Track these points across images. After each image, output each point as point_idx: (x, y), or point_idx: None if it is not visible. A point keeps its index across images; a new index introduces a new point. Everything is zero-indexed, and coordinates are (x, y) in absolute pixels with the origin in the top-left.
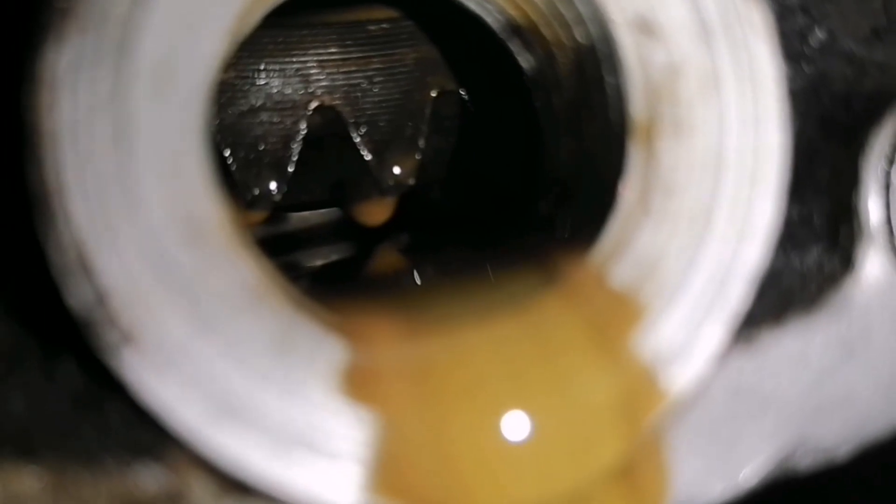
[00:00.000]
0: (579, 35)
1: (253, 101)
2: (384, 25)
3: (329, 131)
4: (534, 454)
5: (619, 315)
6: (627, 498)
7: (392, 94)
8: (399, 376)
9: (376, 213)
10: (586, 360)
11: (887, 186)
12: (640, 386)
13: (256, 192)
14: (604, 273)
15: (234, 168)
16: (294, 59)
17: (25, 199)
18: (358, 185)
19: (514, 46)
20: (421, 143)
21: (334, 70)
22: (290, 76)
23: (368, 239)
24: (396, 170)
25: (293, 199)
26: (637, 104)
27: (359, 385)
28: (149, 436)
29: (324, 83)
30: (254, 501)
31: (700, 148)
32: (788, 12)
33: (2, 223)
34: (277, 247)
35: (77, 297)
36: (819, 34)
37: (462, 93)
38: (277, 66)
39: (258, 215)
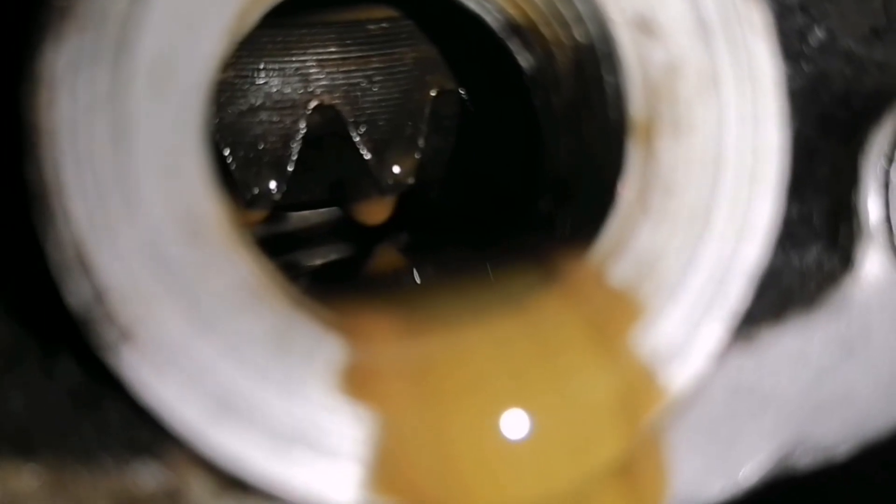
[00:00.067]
0: (578, 34)
1: (252, 101)
2: (383, 25)
3: (328, 130)
4: (533, 452)
5: (619, 314)
6: (627, 496)
7: (391, 93)
8: (398, 375)
9: (376, 212)
10: (585, 358)
11: (887, 185)
12: (640, 384)
13: (256, 191)
14: (603, 272)
15: (233, 167)
16: (293, 59)
17: (24, 197)
18: (357, 185)
19: (514, 46)
20: (420, 142)
21: (334, 69)
22: (289, 75)
23: (368, 238)
24: (396, 169)
25: (293, 198)
26: (636, 103)
27: (358, 383)
28: (148, 434)
29: (323, 82)
30: (253, 500)
31: (699, 147)
32: (788, 11)
33: (1, 221)
34: (277, 246)
35: (76, 294)
36: (818, 33)
37: (461, 92)
38: (277, 66)
39: (258, 214)
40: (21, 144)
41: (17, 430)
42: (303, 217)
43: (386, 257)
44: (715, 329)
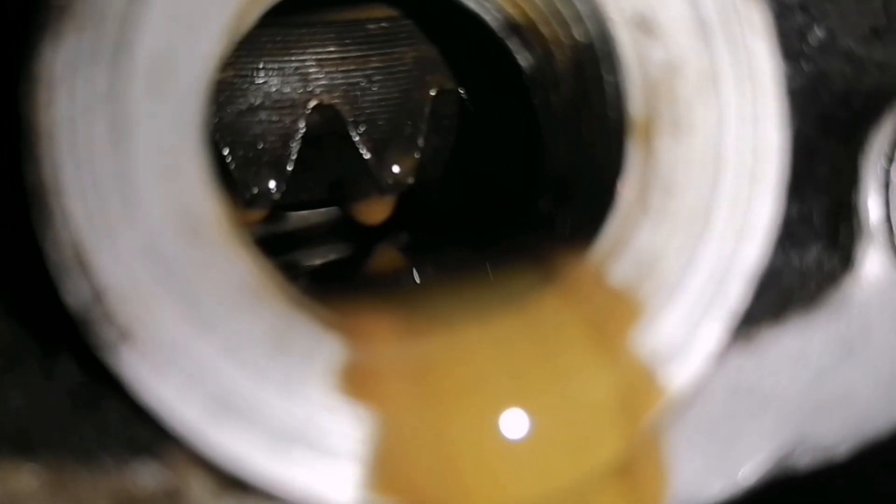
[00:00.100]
0: (578, 33)
1: (252, 100)
2: (383, 24)
3: (328, 130)
4: (533, 452)
5: (618, 313)
6: (626, 496)
7: (391, 92)
8: (398, 375)
9: (375, 211)
10: (585, 358)
11: (887, 185)
12: (639, 384)
13: (255, 190)
14: (603, 271)
15: (233, 167)
16: (293, 58)
17: (23, 196)
18: (357, 184)
19: (513, 45)
20: (420, 141)
21: (333, 69)
22: (288, 75)
23: (367, 238)
24: (395, 169)
25: (292, 197)
26: (635, 102)
27: (357, 383)
28: (147, 434)
29: (323, 82)
30: (252, 499)
31: (699, 146)
32: (788, 11)
33: (0, 222)
34: (276, 246)
35: (75, 294)
36: (818, 33)
37: (461, 92)
38: (276, 65)
39: (257, 214)
40: (20, 144)
41: (16, 429)
42: (302, 217)
43: (385, 257)
44: (715, 329)
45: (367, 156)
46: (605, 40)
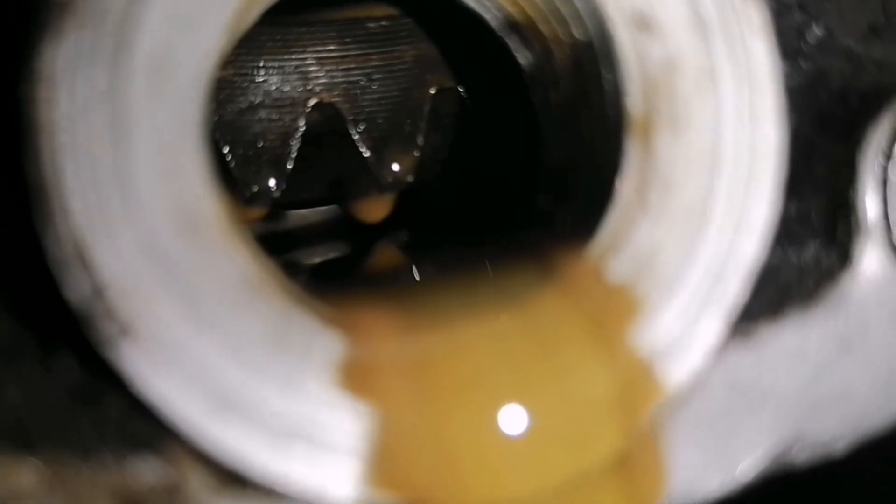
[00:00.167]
0: (577, 31)
1: (252, 98)
2: (383, 23)
3: (328, 128)
4: (531, 448)
5: (617, 309)
6: (625, 491)
7: (391, 91)
8: (397, 371)
9: (375, 210)
10: (584, 354)
11: (884, 182)
12: (638, 380)
13: (255, 189)
14: (601, 267)
15: (233, 165)
16: (293, 57)
17: (23, 192)
18: (357, 183)
19: (512, 43)
20: (420, 140)
21: (333, 67)
22: (288, 73)
23: (367, 236)
24: (395, 167)
25: (292, 196)
26: (634, 100)
27: (356, 379)
28: (146, 429)
29: (323, 80)
30: (252, 495)
31: (697, 143)
32: (786, 9)
33: (0, 218)
34: (276, 244)
35: (75, 290)
36: (816, 31)
37: (461, 90)
38: (276, 64)
39: (257, 212)
40: (20, 141)
41: (16, 425)
42: (302, 215)
43: (385, 255)
44: (713, 325)
45: (366, 154)
46: (604, 38)
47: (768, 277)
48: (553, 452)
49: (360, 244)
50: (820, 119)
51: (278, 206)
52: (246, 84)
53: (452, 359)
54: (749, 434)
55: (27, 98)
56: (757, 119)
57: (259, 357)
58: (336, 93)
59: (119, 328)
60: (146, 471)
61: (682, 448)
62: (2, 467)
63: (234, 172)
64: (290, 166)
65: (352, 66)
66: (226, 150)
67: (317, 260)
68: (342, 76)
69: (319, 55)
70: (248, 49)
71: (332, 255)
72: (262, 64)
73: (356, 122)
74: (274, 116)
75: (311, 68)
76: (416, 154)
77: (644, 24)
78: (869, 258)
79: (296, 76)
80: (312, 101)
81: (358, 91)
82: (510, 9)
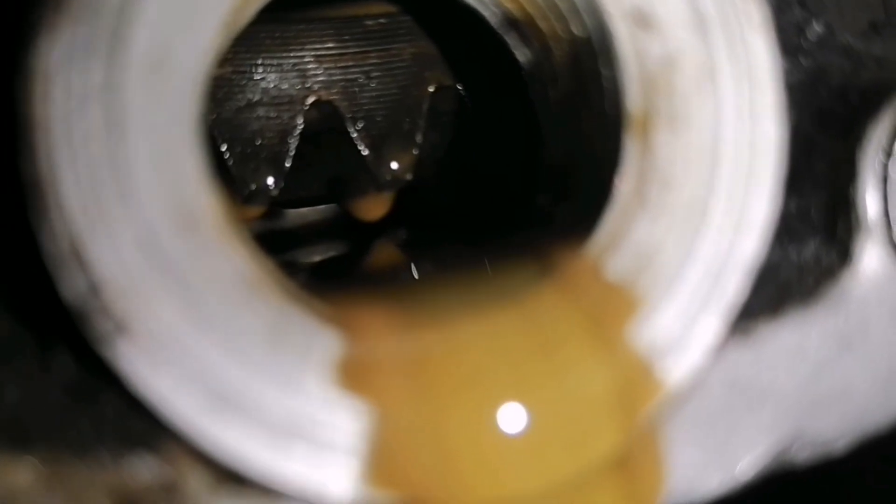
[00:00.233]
0: (575, 28)
1: (250, 96)
2: (381, 20)
3: (326, 126)
4: (530, 446)
5: (616, 307)
6: (624, 490)
7: (389, 89)
8: (395, 368)
9: (373, 208)
10: (583, 351)
11: (885, 179)
12: (637, 378)
13: (253, 187)
14: (600, 265)
15: (230, 163)
16: (291, 54)
17: (19, 189)
18: (355, 181)
19: (511, 40)
20: (418, 138)
21: (331, 65)
22: (286, 71)
23: (366, 234)
24: (394, 165)
25: (290, 194)
26: (633, 97)
27: (355, 377)
28: (143, 427)
29: (321, 78)
30: (249, 493)
31: (696, 140)
32: (786, 6)
33: None
34: (274, 243)
35: (71, 287)
36: (816, 28)
37: (459, 88)
38: (274, 61)
39: (255, 210)
40: (15, 137)
41: (12, 423)
42: (300, 213)
43: (384, 253)
44: (712, 323)
45: (365, 152)
46: (602, 35)
47: (768, 275)
48: (552, 451)
49: (358, 242)
50: (820, 116)
51: (276, 205)
52: (244, 82)
53: (451, 357)
54: (749, 432)
55: (22, 94)
56: (757, 116)
57: (257, 355)
58: (334, 91)
59: (115, 326)
60: (144, 469)
61: (681, 446)
62: None
63: (232, 170)
64: (288, 164)
65: (350, 63)
66: (224, 147)
67: (315, 258)
68: (340, 74)
69: (318, 53)
70: (246, 46)
71: (330, 253)
72: (260, 61)
73: (355, 120)
74: (272, 114)
75: (310, 66)
76: (415, 152)
77: (643, 20)
78: (869, 256)
79: (294, 74)
80: (311, 99)
81: (356, 89)
82: (509, 6)
